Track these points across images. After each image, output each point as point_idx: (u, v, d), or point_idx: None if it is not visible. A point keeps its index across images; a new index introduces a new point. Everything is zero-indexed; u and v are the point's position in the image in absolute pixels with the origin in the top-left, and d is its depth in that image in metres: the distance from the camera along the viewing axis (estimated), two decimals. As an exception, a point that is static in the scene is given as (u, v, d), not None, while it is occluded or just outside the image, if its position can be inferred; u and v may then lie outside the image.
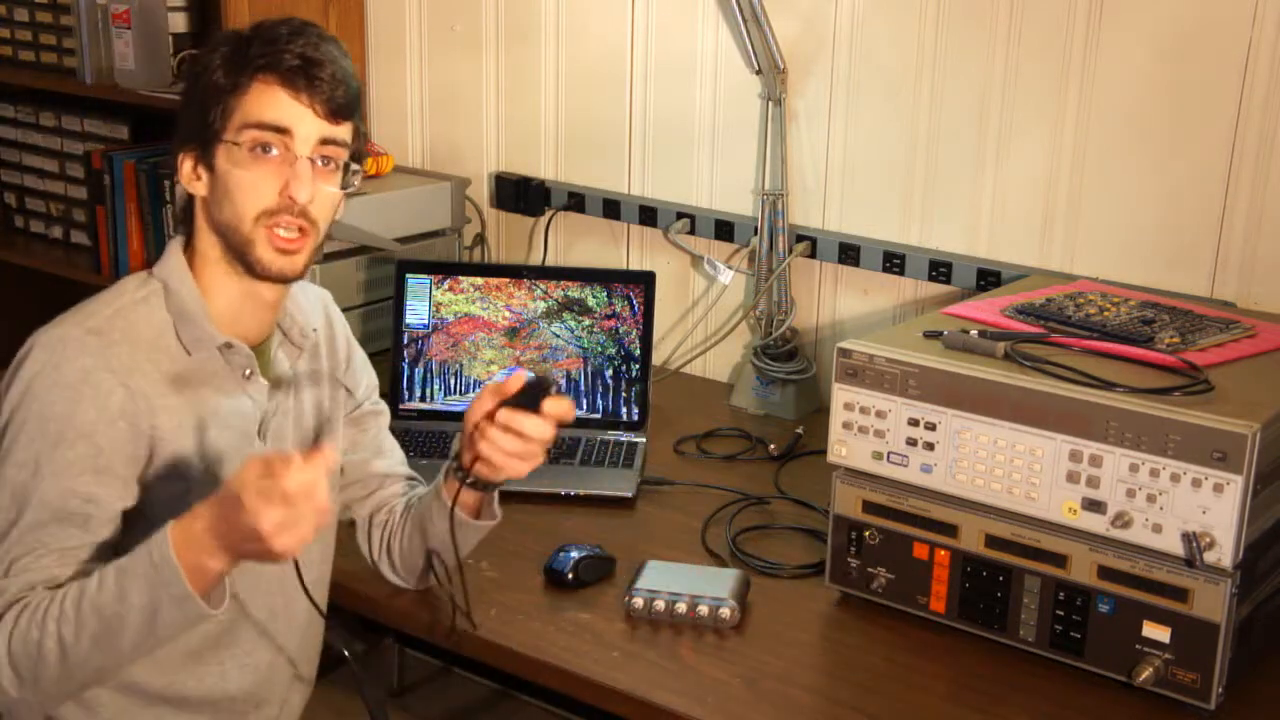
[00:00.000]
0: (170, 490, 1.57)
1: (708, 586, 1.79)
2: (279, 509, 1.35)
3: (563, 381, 2.38)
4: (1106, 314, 1.85)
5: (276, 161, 1.55)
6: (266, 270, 1.58)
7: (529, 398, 1.58)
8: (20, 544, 1.49)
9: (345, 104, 1.58)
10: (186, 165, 1.60)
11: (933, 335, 1.78)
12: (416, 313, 2.40)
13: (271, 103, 1.55)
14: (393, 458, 1.89)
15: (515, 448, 1.59)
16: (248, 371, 1.63)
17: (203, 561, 1.41)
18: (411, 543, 1.80)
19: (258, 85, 1.55)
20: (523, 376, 1.61)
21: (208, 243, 1.61)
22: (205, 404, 1.59)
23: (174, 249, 1.63)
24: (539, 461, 1.62)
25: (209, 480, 1.58)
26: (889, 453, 1.74)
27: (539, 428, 1.58)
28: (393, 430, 2.28)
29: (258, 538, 1.36)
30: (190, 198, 1.62)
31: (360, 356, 1.86)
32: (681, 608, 1.76)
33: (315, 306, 1.79)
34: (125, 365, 1.53)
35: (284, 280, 1.61)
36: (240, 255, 1.58)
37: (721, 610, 1.75)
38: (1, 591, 1.47)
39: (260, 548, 1.37)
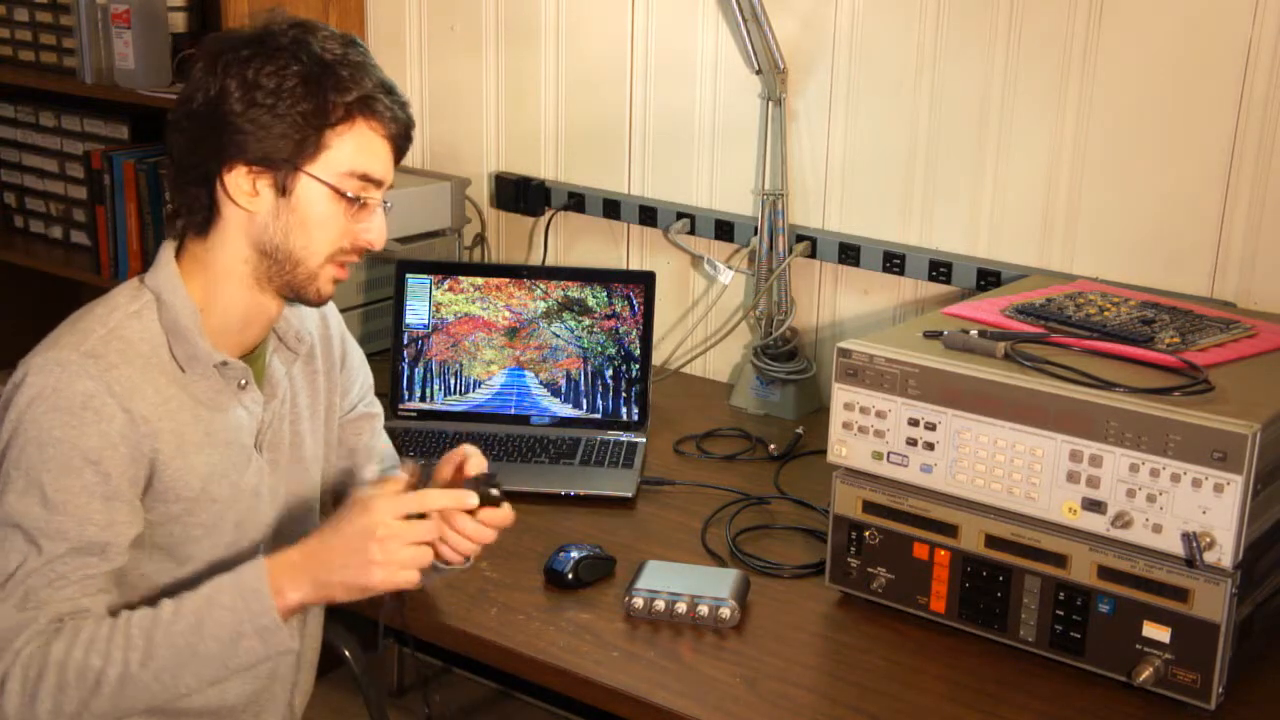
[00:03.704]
0: (168, 511, 1.55)
1: (708, 586, 1.79)
2: (397, 546, 1.46)
3: (562, 381, 2.38)
4: (1106, 314, 1.85)
5: (357, 206, 1.56)
6: (320, 300, 1.60)
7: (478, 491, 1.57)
8: (38, 575, 1.45)
9: None
10: (243, 180, 1.52)
11: (933, 335, 1.78)
12: (416, 313, 2.40)
13: (380, 155, 1.55)
14: (386, 461, 1.88)
15: (466, 548, 1.60)
16: (243, 382, 1.61)
17: (286, 593, 1.47)
18: None
19: (361, 127, 1.53)
20: (481, 464, 1.63)
21: (236, 257, 1.56)
22: (201, 421, 1.56)
23: (167, 257, 1.58)
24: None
25: (206, 498, 1.57)
26: (889, 453, 1.74)
27: (483, 533, 1.58)
28: (393, 430, 2.28)
29: (360, 567, 1.45)
30: (213, 207, 1.55)
31: (355, 355, 1.84)
32: (681, 608, 1.76)
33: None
34: (126, 389, 1.49)
35: (322, 304, 1.63)
36: (293, 284, 1.56)
37: (721, 610, 1.75)
38: (28, 624, 1.45)
39: (356, 578, 1.46)
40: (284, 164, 1.52)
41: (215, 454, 1.57)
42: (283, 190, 1.53)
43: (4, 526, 1.47)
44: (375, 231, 1.58)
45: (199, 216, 1.56)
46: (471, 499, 1.53)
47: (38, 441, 1.46)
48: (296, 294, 1.58)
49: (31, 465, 1.46)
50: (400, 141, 1.58)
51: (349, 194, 1.54)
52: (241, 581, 1.48)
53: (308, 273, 1.57)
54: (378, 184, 1.57)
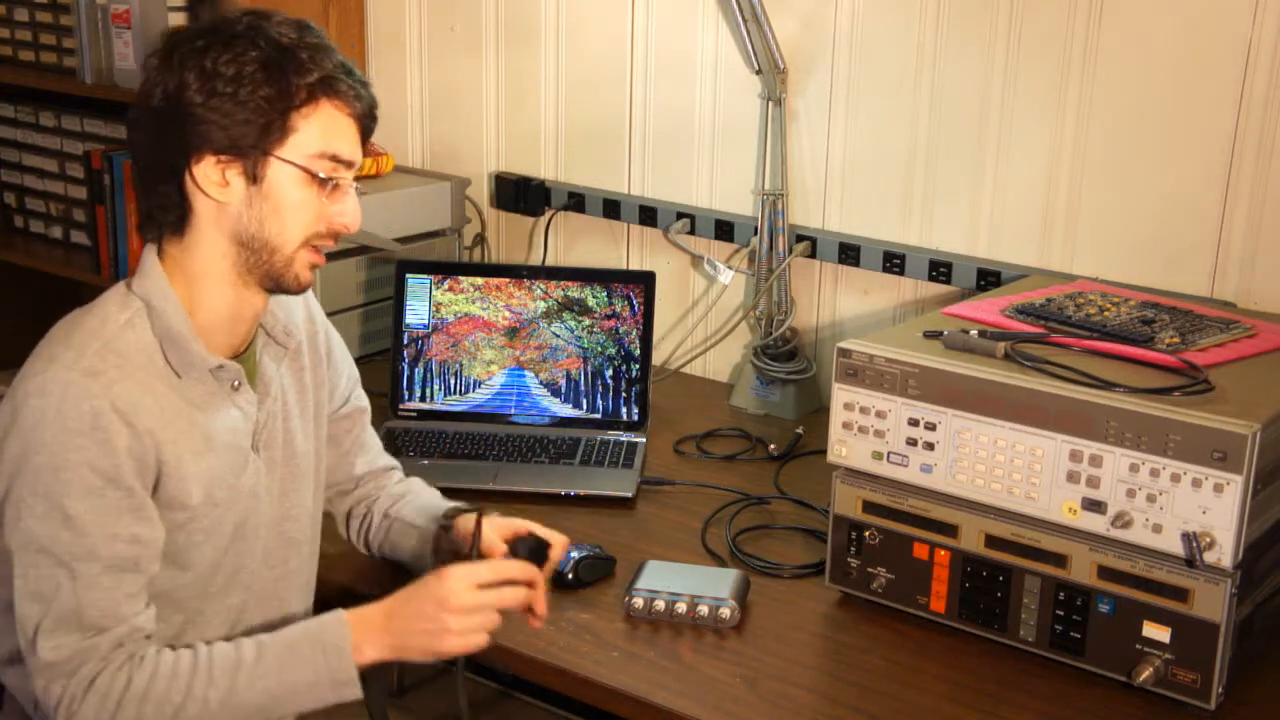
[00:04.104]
0: (173, 520, 1.54)
1: (708, 586, 1.79)
2: (471, 615, 1.55)
3: (562, 381, 2.38)
4: (1106, 314, 1.85)
5: (329, 187, 1.55)
6: (300, 286, 1.58)
7: (530, 555, 1.68)
8: (82, 601, 1.45)
9: None
10: (212, 171, 1.51)
11: (933, 335, 1.78)
12: (416, 313, 2.40)
13: (347, 135, 1.54)
14: (372, 451, 1.89)
15: (543, 609, 1.66)
16: (236, 383, 1.60)
17: (364, 650, 1.55)
18: (394, 552, 1.86)
19: (326, 108, 1.52)
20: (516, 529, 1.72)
21: (214, 252, 1.54)
22: (199, 427, 1.55)
23: (152, 262, 1.56)
24: None
25: (209, 503, 1.56)
26: (889, 453, 1.74)
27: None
28: (392, 430, 2.27)
29: (435, 634, 1.54)
30: (185, 203, 1.53)
31: (339, 349, 1.83)
32: (681, 608, 1.76)
33: (295, 301, 1.74)
34: (128, 404, 1.47)
35: (302, 292, 1.61)
36: (271, 272, 1.55)
37: (721, 610, 1.75)
38: (91, 651, 1.45)
39: (430, 644, 1.54)
40: (252, 150, 1.50)
41: (214, 458, 1.56)
42: (253, 178, 1.51)
43: (30, 552, 1.45)
44: (350, 214, 1.57)
45: (172, 215, 1.55)
46: (535, 570, 1.64)
47: (52, 466, 1.44)
48: (276, 283, 1.57)
49: (50, 489, 1.44)
50: (366, 121, 1.57)
51: (320, 175, 1.53)
52: (325, 638, 1.54)
53: (284, 259, 1.55)
54: (348, 164, 1.56)
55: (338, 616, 1.56)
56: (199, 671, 1.48)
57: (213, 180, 1.51)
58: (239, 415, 1.60)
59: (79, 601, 1.45)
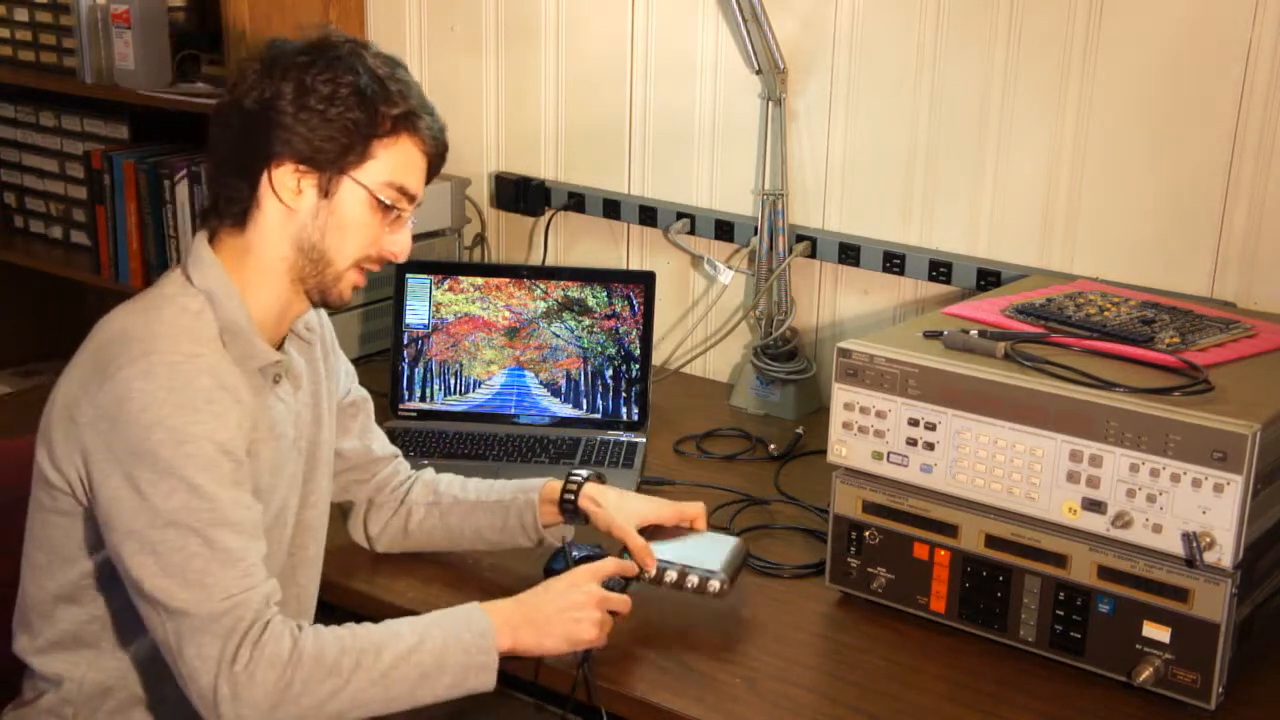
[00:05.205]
0: None
1: (702, 556, 1.77)
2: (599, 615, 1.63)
3: (562, 381, 2.38)
4: (1106, 314, 1.85)
5: (391, 216, 1.62)
6: (341, 303, 1.66)
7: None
8: (222, 568, 1.46)
9: None
10: (289, 178, 1.57)
11: (933, 335, 1.78)
12: (416, 313, 2.40)
13: (417, 171, 1.63)
14: (382, 438, 1.93)
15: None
16: (277, 377, 1.64)
17: (503, 635, 1.58)
18: (450, 537, 1.89)
19: (405, 142, 1.60)
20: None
21: (274, 253, 1.60)
22: (261, 416, 1.59)
23: (207, 251, 1.60)
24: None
25: (267, 490, 1.59)
26: (889, 453, 1.74)
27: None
28: (393, 431, 2.28)
29: (582, 623, 1.61)
30: (254, 199, 1.58)
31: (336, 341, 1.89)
32: (672, 575, 1.74)
33: None
34: (230, 383, 1.52)
35: (343, 308, 1.68)
36: (320, 285, 1.62)
37: (711, 582, 1.73)
38: (237, 622, 1.44)
39: (553, 643, 1.60)
40: (329, 166, 1.57)
41: (271, 447, 1.61)
42: (325, 192, 1.58)
43: (161, 529, 1.45)
44: (401, 244, 1.66)
45: (237, 208, 1.60)
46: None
47: (174, 441, 1.46)
48: (323, 296, 1.64)
49: (172, 464, 1.46)
50: (436, 161, 1.65)
51: (386, 202, 1.60)
52: (469, 622, 1.57)
53: (335, 274, 1.62)
54: (411, 198, 1.63)
55: (473, 605, 1.60)
56: (367, 647, 1.50)
57: (288, 186, 1.58)
58: (282, 407, 1.65)
59: (210, 568, 1.45)
